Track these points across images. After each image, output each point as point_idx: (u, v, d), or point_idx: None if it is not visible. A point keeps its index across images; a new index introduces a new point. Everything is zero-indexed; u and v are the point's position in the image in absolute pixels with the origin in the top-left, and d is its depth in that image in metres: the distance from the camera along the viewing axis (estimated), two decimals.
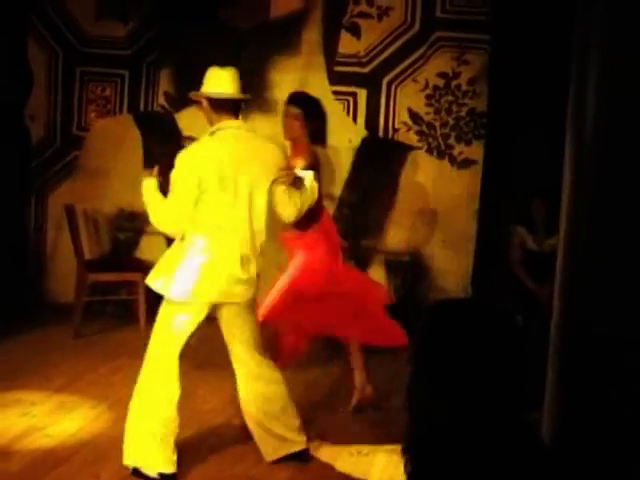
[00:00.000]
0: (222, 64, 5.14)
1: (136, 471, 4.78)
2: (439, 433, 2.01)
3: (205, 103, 4.88)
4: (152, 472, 4.75)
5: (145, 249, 7.72)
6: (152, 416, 4.76)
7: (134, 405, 4.82)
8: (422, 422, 2.04)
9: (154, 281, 4.77)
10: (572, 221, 3.29)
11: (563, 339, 3.32)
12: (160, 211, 4.74)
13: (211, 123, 4.91)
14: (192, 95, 5.02)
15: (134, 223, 7.75)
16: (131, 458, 4.80)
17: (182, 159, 4.71)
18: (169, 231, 4.89)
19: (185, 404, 5.66)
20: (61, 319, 7.14)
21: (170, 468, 4.77)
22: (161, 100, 7.79)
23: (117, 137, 7.99)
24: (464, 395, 1.95)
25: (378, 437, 5.42)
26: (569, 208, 3.29)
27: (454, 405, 1.97)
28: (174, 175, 4.66)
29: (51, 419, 5.47)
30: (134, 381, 5.50)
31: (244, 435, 5.16)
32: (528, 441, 1.98)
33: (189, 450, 5.18)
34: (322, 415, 5.78)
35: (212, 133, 4.88)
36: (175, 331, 4.74)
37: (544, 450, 2.01)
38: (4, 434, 5.21)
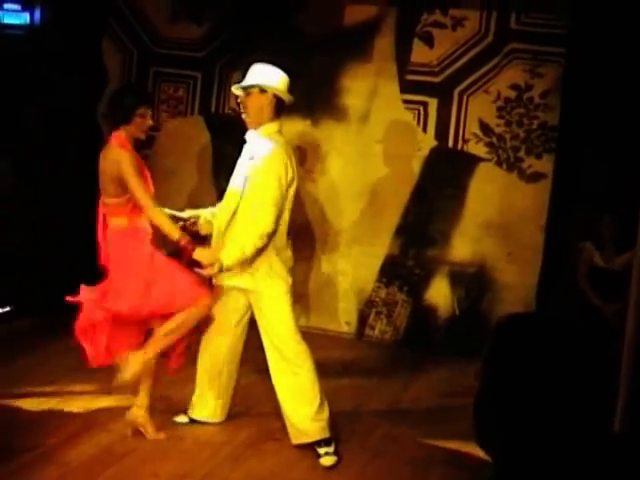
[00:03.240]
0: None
1: None
2: (504, 453, 1.97)
3: (271, 99, 5.14)
4: None
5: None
6: None
7: None
8: (488, 442, 2.00)
9: None
10: None
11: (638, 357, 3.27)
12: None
13: (261, 117, 5.17)
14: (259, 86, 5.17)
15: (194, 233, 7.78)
16: None
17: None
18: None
19: (243, 406, 5.71)
20: None
21: None
22: (232, 103, 7.83)
23: (188, 138, 8.07)
24: (536, 415, 1.91)
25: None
26: None
27: (522, 425, 1.93)
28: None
29: (112, 415, 5.52)
30: (194, 382, 5.57)
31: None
32: (600, 462, 1.93)
33: (245, 452, 5.20)
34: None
35: (279, 132, 5.24)
36: None
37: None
38: (65, 426, 5.28)
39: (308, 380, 5.18)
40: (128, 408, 5.35)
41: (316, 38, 7.69)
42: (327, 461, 5.12)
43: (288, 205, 5.19)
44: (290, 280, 5.25)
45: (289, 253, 5.29)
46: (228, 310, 5.38)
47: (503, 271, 7.44)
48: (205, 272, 5.00)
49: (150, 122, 5.26)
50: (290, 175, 5.10)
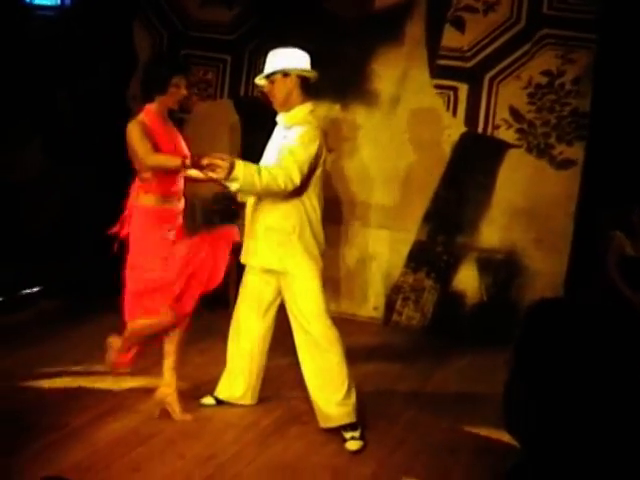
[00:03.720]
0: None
1: None
2: (533, 439, 1.95)
3: (296, 80, 5.11)
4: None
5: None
6: None
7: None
8: (518, 429, 1.99)
9: None
10: None
11: None
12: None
13: (291, 101, 5.14)
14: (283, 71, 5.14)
15: (229, 206, 7.80)
16: None
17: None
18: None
19: (271, 389, 5.72)
20: None
21: None
22: None
23: (217, 121, 8.08)
24: (566, 402, 1.90)
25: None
26: None
27: (552, 411, 1.92)
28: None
29: (139, 395, 5.56)
30: (221, 362, 5.60)
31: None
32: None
33: (272, 435, 5.21)
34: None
35: (312, 111, 5.20)
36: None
37: None
38: (92, 407, 5.31)
39: (336, 365, 5.18)
40: (155, 389, 5.38)
41: (347, 23, 7.66)
42: (353, 445, 5.13)
43: (319, 188, 5.19)
44: (321, 264, 5.24)
45: (322, 237, 5.28)
46: (259, 294, 5.39)
47: (532, 258, 7.40)
48: (215, 175, 4.82)
49: (184, 92, 5.26)
50: (320, 152, 5.07)
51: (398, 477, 4.82)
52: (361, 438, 5.17)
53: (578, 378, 1.90)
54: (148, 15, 8.17)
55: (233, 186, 4.84)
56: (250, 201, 5.30)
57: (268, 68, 5.14)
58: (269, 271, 5.27)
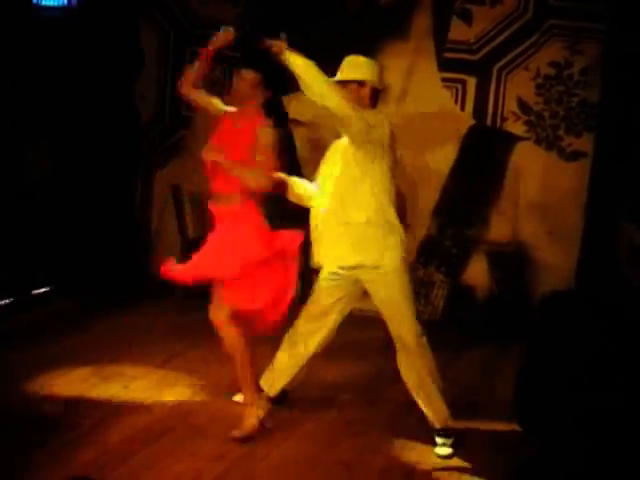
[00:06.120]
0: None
1: None
2: (547, 432, 1.94)
3: (368, 91, 5.09)
4: None
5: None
6: None
7: None
8: (530, 422, 1.98)
9: None
10: None
11: None
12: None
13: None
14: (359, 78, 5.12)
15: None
16: None
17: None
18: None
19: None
20: (164, 296, 7.24)
21: None
22: None
23: None
24: (579, 394, 1.89)
25: None
26: None
27: (565, 403, 1.91)
28: None
29: (151, 394, 5.57)
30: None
31: None
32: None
33: (282, 433, 5.21)
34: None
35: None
36: None
37: None
38: (104, 406, 5.32)
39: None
40: (167, 387, 5.39)
41: (353, 16, 7.64)
42: (443, 451, 5.12)
43: (390, 177, 5.19)
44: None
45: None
46: (328, 300, 5.27)
47: (542, 251, 7.39)
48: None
49: None
50: (390, 137, 5.08)
51: (410, 471, 4.82)
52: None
53: (591, 371, 1.90)
54: (154, 14, 8.16)
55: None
56: (315, 205, 5.21)
57: (346, 73, 5.13)
58: (348, 269, 5.16)
